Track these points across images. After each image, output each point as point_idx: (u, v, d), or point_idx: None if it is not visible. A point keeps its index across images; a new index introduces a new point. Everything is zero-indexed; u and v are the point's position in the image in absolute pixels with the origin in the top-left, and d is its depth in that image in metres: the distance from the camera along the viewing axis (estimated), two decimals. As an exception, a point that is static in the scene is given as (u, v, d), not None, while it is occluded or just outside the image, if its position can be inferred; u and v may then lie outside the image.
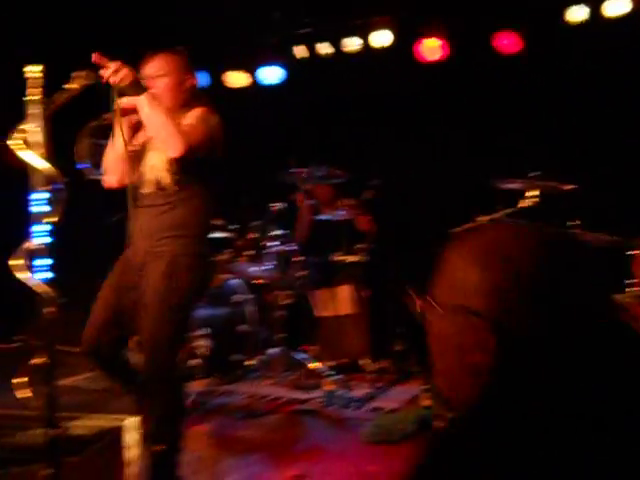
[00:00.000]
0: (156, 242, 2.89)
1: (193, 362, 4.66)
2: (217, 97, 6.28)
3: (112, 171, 3.01)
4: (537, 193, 3.91)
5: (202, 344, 4.67)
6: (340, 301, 4.92)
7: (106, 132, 2.94)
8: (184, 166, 2.84)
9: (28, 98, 2.27)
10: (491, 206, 4.49)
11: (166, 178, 2.89)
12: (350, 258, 5.07)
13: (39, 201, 2.24)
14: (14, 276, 2.21)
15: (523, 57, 5.57)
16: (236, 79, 6.44)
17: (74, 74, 2.57)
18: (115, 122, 2.82)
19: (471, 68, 5.68)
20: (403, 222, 5.42)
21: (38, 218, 2.25)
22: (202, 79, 6.56)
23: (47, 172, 2.24)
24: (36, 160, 2.23)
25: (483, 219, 4.48)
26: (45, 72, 2.31)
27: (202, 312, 4.82)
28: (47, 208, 2.24)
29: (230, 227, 5.21)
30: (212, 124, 2.92)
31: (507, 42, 5.62)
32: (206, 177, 2.97)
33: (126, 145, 2.85)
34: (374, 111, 5.95)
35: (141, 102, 2.74)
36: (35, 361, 2.28)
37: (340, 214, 5.04)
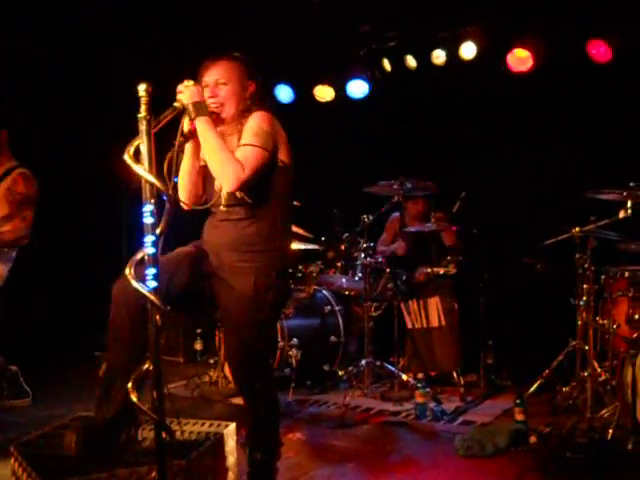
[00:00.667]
0: (240, 256, 2.87)
1: (284, 372, 4.73)
2: (304, 111, 6.50)
3: (184, 193, 2.96)
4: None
5: (293, 354, 4.74)
6: (430, 313, 4.90)
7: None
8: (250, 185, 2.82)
9: (140, 115, 2.35)
10: (584, 217, 4.43)
11: (237, 194, 2.85)
12: (439, 270, 5.06)
13: (148, 213, 2.30)
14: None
15: (614, 66, 5.45)
16: (324, 93, 6.51)
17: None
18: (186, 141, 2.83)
19: (561, 77, 5.59)
20: (493, 234, 5.36)
21: (148, 229, 2.31)
22: (287, 94, 6.69)
23: (154, 185, 2.31)
24: (144, 173, 2.30)
25: (576, 231, 4.43)
26: (152, 89, 2.38)
27: (293, 323, 4.90)
28: (152, 220, 2.30)
29: (320, 239, 5.29)
30: (270, 132, 2.85)
31: (597, 51, 5.51)
32: (278, 187, 2.92)
33: (198, 162, 2.89)
34: (462, 123, 5.92)
35: (200, 126, 2.72)
36: (144, 367, 2.36)
37: (429, 226, 5.03)
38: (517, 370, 5.05)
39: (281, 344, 4.75)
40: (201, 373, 5.29)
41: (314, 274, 5.21)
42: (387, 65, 6.23)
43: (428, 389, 4.46)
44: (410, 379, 4.66)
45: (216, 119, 2.83)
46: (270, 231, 2.90)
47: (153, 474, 2.41)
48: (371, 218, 4.98)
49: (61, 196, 5.94)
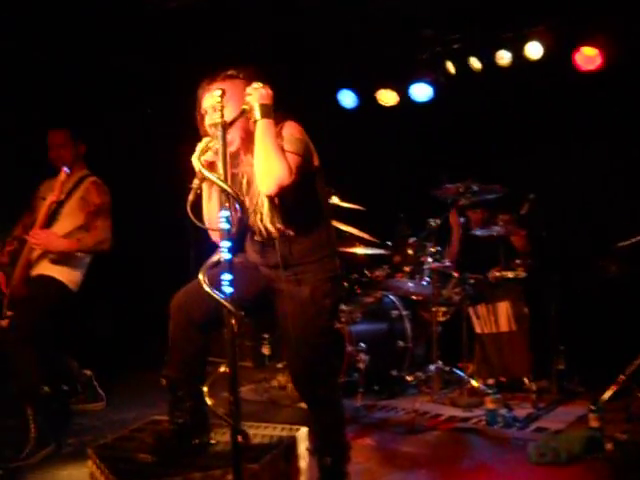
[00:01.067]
0: (293, 270, 2.86)
1: (352, 377, 4.72)
2: (367, 116, 6.49)
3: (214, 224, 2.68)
4: None
5: (360, 359, 4.72)
6: (499, 318, 4.83)
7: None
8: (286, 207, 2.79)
9: (216, 120, 2.36)
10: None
11: (271, 227, 2.82)
12: (509, 274, 4.97)
13: (224, 219, 2.31)
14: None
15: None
16: (387, 97, 6.50)
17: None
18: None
19: (631, 75, 5.44)
20: (563, 236, 5.25)
21: (224, 235, 2.33)
22: (350, 99, 6.70)
23: (228, 193, 2.32)
24: (219, 181, 2.33)
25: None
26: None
27: (360, 327, 4.89)
28: (227, 226, 2.32)
29: (387, 243, 5.27)
30: (302, 139, 2.79)
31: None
32: (315, 194, 2.89)
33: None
34: (529, 124, 5.83)
35: (261, 125, 2.66)
36: (221, 370, 2.38)
37: (496, 229, 4.96)
38: (590, 376, 4.92)
39: (349, 349, 4.74)
40: (269, 377, 5.32)
41: (381, 279, 5.19)
42: (451, 68, 6.17)
43: (499, 395, 4.38)
44: (480, 385, 4.59)
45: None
46: (318, 243, 2.90)
47: (228, 477, 2.43)
48: (438, 222, 4.93)
49: (127, 201, 6.11)
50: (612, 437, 3.67)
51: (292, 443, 2.97)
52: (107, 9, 5.04)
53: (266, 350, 6.01)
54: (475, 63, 6.02)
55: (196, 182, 2.51)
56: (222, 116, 2.35)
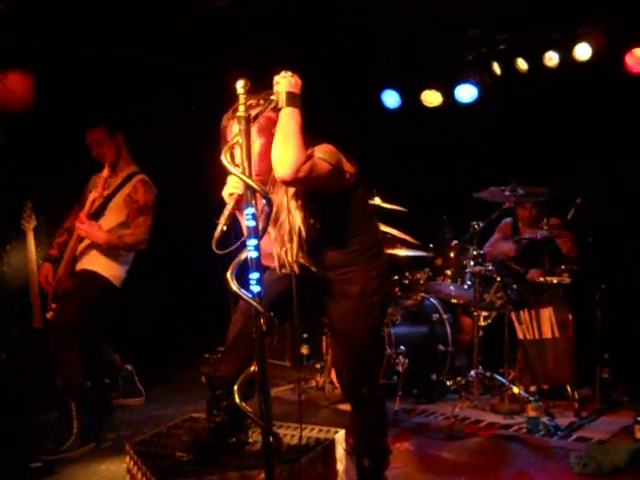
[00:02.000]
0: (341, 271, 2.86)
1: (392, 379, 4.68)
2: (411, 117, 6.44)
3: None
4: None
5: (400, 362, 4.68)
6: (542, 324, 4.73)
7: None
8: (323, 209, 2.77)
9: (239, 114, 2.29)
10: None
11: (292, 262, 2.77)
12: (553, 279, 4.88)
13: (250, 216, 2.25)
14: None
15: None
16: (431, 98, 6.44)
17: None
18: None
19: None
20: (610, 242, 5.14)
21: (250, 232, 2.27)
22: (394, 99, 6.65)
23: (252, 188, 2.26)
24: (243, 176, 2.26)
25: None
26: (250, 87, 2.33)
27: (400, 330, 4.85)
28: (253, 223, 2.28)
29: (429, 246, 5.21)
30: (333, 151, 2.73)
31: None
32: (355, 200, 2.84)
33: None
34: (577, 127, 5.72)
35: (287, 111, 2.58)
36: (251, 369, 2.36)
37: (541, 233, 4.86)
38: (635, 385, 4.80)
39: (388, 351, 4.70)
40: (308, 378, 5.31)
41: (422, 281, 5.14)
42: (497, 69, 6.09)
43: (540, 403, 4.29)
44: (521, 392, 4.50)
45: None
46: (364, 246, 2.88)
47: (261, 476, 2.42)
48: (481, 225, 4.85)
49: (174, 198, 6.15)
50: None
51: (331, 445, 2.95)
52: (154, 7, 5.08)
53: (305, 350, 5.99)
54: (522, 64, 5.93)
55: (225, 214, 2.50)
56: (245, 109, 2.29)
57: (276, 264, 2.80)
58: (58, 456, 3.72)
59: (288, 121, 2.57)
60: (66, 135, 5.17)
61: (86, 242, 4.32)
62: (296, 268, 2.76)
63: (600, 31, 5.59)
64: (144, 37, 5.44)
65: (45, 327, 4.38)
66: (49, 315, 4.27)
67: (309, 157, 2.59)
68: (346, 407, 4.47)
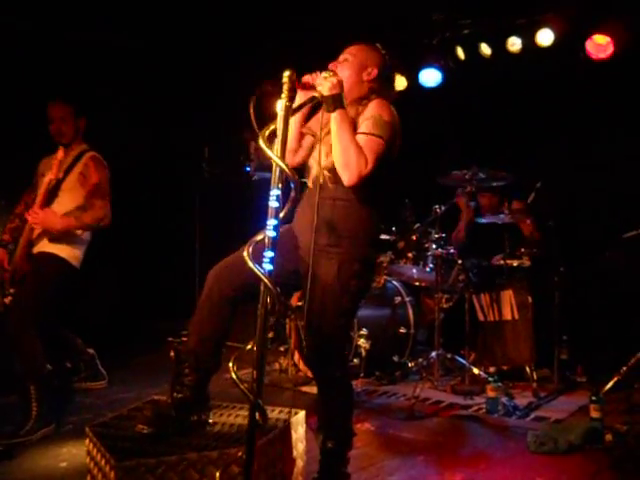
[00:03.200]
0: (328, 239, 2.84)
1: (353, 361, 4.72)
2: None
3: (290, 153, 2.90)
4: None
5: (362, 344, 4.72)
6: (503, 306, 4.81)
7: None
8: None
9: (281, 100, 2.37)
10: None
11: (321, 176, 2.84)
12: (513, 262, 4.95)
13: (274, 197, 2.30)
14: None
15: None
16: (396, 82, 6.44)
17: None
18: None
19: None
20: (570, 226, 5.22)
21: (272, 213, 2.30)
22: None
23: (283, 170, 2.30)
24: (277, 159, 2.30)
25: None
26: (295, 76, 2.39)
27: (363, 312, 4.88)
28: (276, 204, 2.30)
29: (392, 229, 5.24)
30: (390, 122, 2.79)
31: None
32: (378, 181, 2.84)
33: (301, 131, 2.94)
34: (539, 112, 5.79)
35: (335, 117, 2.69)
36: (247, 347, 2.35)
37: (502, 217, 4.93)
38: (592, 366, 4.90)
39: (351, 334, 4.74)
40: (271, 361, 5.32)
41: (385, 264, 5.17)
42: (461, 53, 6.14)
43: (500, 383, 4.37)
44: (481, 373, 4.59)
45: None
46: (363, 218, 2.87)
47: (240, 454, 2.40)
48: (443, 208, 4.91)
49: (144, 184, 6.11)
50: (612, 428, 3.66)
51: (289, 426, 2.97)
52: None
53: (269, 333, 6.00)
54: (485, 49, 5.99)
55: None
56: (288, 97, 2.35)
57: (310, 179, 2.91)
58: (17, 439, 3.68)
59: (341, 128, 2.69)
60: (24, 118, 5.09)
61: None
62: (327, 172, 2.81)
63: (562, 17, 5.66)
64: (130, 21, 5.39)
65: (3, 312, 4.32)
66: (7, 300, 4.21)
67: (369, 141, 2.70)
68: (309, 389, 4.54)
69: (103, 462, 2.60)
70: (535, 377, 4.64)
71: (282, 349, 5.27)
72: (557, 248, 4.94)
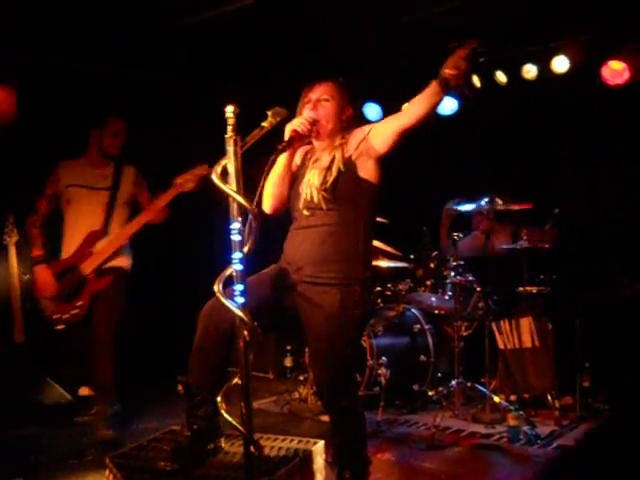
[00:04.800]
0: (322, 267, 2.88)
1: (374, 390, 4.70)
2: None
3: (269, 197, 3.05)
4: None
5: (382, 373, 4.70)
6: (523, 333, 4.77)
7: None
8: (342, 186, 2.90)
9: (227, 136, 2.40)
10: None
11: (316, 196, 2.90)
12: (533, 289, 4.92)
13: (235, 230, 2.35)
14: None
15: None
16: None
17: (269, 112, 2.68)
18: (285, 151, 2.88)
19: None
20: (589, 252, 5.19)
21: (236, 246, 2.35)
22: (375, 111, 6.69)
23: (240, 204, 2.34)
24: (232, 192, 2.35)
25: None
26: (240, 111, 2.41)
27: (382, 341, 4.87)
28: (239, 237, 2.35)
29: (410, 257, 5.25)
30: None
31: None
32: (366, 198, 2.95)
33: (290, 171, 3.03)
34: (556, 138, 5.79)
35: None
36: (235, 382, 2.40)
37: (521, 244, 4.91)
38: (615, 393, 4.84)
39: (370, 362, 4.73)
40: (291, 390, 5.32)
41: (403, 292, 5.17)
42: (476, 81, 6.16)
43: (521, 412, 4.33)
44: (502, 401, 4.54)
45: (314, 132, 2.96)
46: (353, 241, 2.91)
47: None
48: (461, 236, 4.91)
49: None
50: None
51: (309, 456, 2.96)
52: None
53: (288, 362, 6.01)
54: (501, 77, 6.00)
55: (283, 144, 2.77)
56: (233, 131, 2.39)
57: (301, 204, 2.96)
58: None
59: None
60: (48, 148, 5.16)
61: (109, 239, 4.33)
62: (318, 197, 2.89)
63: (577, 43, 5.67)
64: (128, 52, 5.47)
65: (66, 328, 4.31)
66: (73, 313, 4.24)
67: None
68: (328, 418, 4.51)
69: (123, 493, 2.60)
70: (557, 405, 4.59)
71: (301, 378, 5.26)
72: (577, 274, 4.91)
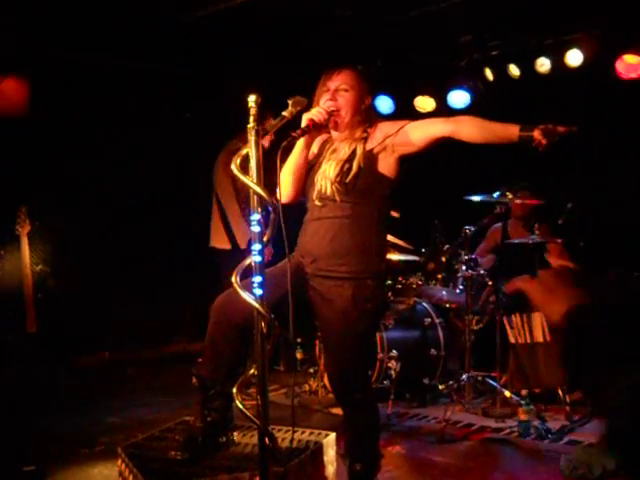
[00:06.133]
0: (336, 260, 2.86)
1: (384, 383, 4.70)
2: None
3: (286, 186, 2.98)
4: None
5: (392, 366, 4.70)
6: (534, 328, 4.75)
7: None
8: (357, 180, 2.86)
9: (249, 126, 2.36)
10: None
11: (329, 188, 2.87)
12: (544, 284, 4.90)
13: (255, 221, 2.32)
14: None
15: None
16: (424, 103, 6.47)
17: (290, 101, 2.65)
18: (300, 140, 2.87)
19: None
20: (601, 247, 5.17)
21: (255, 238, 2.33)
22: (387, 104, 6.67)
23: (259, 195, 2.32)
24: (251, 184, 2.33)
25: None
26: (262, 101, 2.38)
27: (393, 334, 4.87)
28: (258, 228, 2.33)
29: (421, 250, 5.23)
30: None
31: None
32: (381, 191, 2.93)
33: (306, 159, 2.98)
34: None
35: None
36: (250, 372, 2.40)
37: (532, 238, 4.89)
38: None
39: (380, 356, 4.73)
40: (301, 382, 5.32)
41: (414, 286, 5.16)
42: (489, 75, 6.13)
43: (532, 406, 4.32)
44: (513, 395, 4.53)
45: (332, 122, 2.91)
46: (366, 234, 2.89)
47: (255, 479, 2.44)
48: (473, 230, 4.89)
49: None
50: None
51: (320, 448, 2.97)
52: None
53: (299, 354, 6.00)
54: (514, 70, 5.97)
55: (298, 132, 2.74)
56: (255, 121, 2.36)
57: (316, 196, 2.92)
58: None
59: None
60: (60, 140, 5.20)
61: None
62: (332, 190, 2.86)
63: (591, 37, 5.63)
64: (135, 45, 5.48)
65: None
66: None
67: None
68: (339, 411, 4.48)
69: (135, 483, 2.62)
70: (568, 400, 4.57)
71: (312, 371, 5.27)
72: (587, 268, 4.88)
